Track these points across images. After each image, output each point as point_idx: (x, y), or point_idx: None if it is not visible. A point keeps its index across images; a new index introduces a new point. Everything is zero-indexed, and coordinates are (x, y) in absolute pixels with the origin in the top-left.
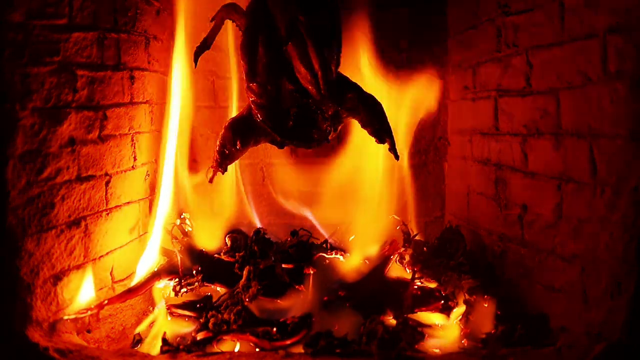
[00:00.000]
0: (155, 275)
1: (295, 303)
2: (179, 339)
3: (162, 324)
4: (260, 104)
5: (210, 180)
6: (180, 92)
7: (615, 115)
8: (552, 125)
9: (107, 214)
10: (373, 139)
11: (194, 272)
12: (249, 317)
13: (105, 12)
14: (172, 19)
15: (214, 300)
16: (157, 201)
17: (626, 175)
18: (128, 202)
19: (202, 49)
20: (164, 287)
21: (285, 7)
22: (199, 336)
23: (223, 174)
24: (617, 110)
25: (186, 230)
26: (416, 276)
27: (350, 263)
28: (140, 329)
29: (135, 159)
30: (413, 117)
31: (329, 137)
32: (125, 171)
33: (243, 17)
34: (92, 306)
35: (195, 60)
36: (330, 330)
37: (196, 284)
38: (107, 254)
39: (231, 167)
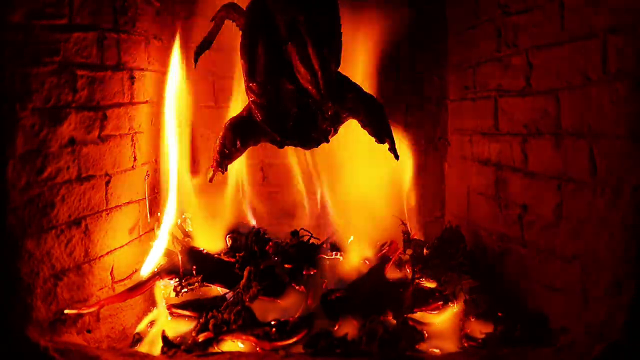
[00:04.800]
0: (156, 275)
1: (296, 303)
2: (179, 339)
3: (162, 324)
4: (260, 104)
5: (210, 180)
6: (180, 92)
7: (615, 115)
8: (552, 125)
9: (107, 214)
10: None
11: (194, 272)
12: (249, 317)
13: (105, 13)
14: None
15: (214, 300)
16: (161, 202)
17: (626, 175)
18: (128, 202)
19: (202, 48)
20: (165, 287)
21: (285, 7)
22: (200, 338)
23: (223, 173)
24: (617, 110)
25: (187, 230)
26: (416, 276)
27: (350, 263)
28: (140, 329)
29: (135, 159)
30: None
31: (329, 138)
32: (125, 171)
33: (243, 17)
34: (92, 305)
35: (195, 60)
36: (330, 330)
37: (196, 284)
38: (107, 254)
39: (231, 167)
